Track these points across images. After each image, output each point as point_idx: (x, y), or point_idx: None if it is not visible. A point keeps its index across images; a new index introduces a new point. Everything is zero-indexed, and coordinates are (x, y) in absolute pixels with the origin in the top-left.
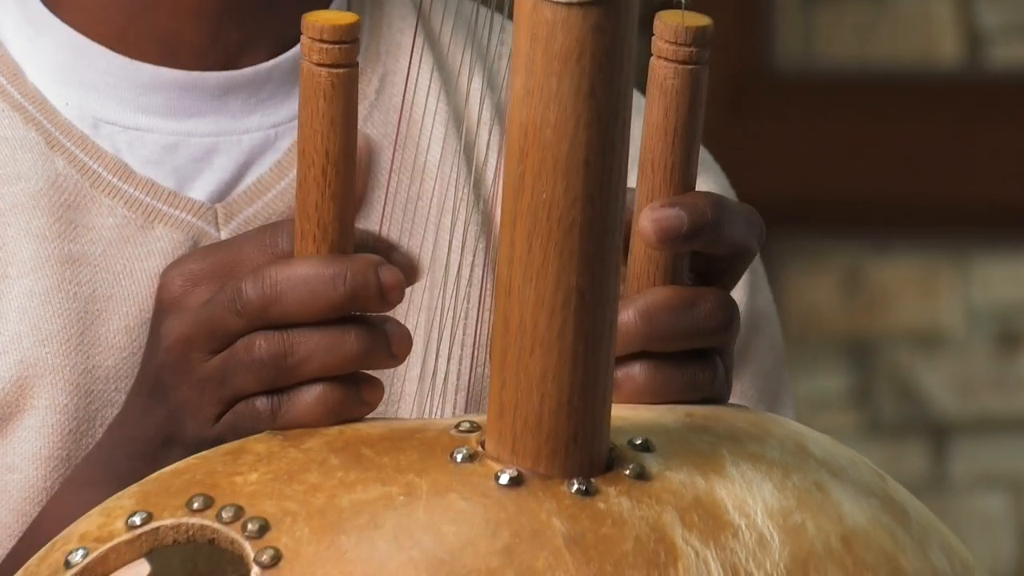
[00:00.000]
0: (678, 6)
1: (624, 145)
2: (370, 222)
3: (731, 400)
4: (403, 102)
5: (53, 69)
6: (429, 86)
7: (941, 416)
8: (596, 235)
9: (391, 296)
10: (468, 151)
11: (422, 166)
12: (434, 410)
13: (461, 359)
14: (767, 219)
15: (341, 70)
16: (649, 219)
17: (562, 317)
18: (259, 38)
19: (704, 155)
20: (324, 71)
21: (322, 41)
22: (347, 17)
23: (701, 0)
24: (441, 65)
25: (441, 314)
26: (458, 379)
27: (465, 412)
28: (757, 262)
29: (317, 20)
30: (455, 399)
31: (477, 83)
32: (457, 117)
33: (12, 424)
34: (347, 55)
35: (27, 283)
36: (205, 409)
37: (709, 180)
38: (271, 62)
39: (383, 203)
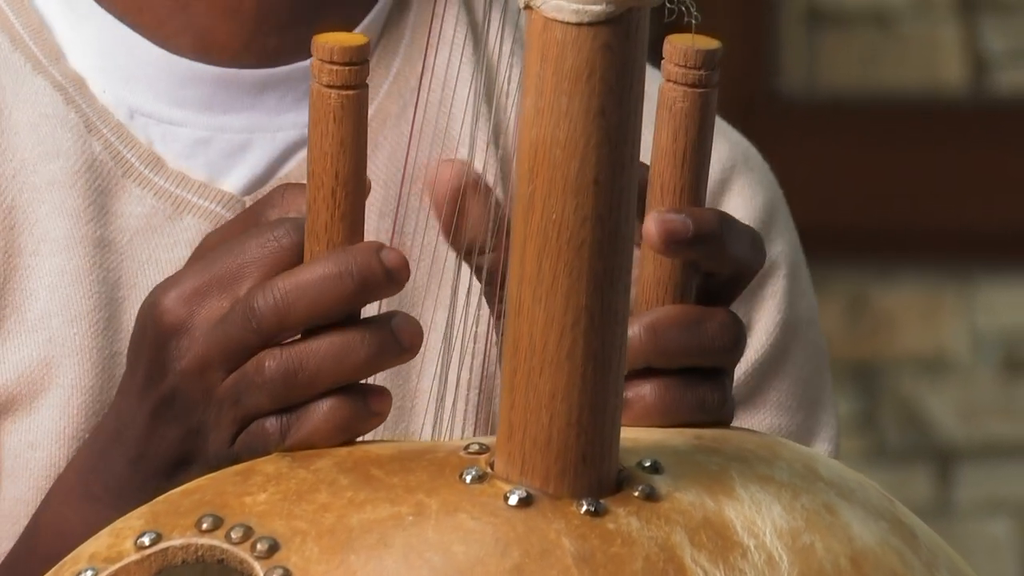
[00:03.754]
0: (687, 29)
1: (634, 165)
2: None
3: (772, 408)
4: (426, 84)
5: (93, 56)
6: (460, 68)
7: (946, 441)
8: (606, 255)
9: (399, 276)
10: (496, 131)
11: (451, 151)
12: (445, 430)
13: (471, 383)
14: None
15: (351, 91)
16: (655, 221)
17: (571, 337)
18: (297, 45)
19: (760, 164)
20: (333, 92)
21: (332, 63)
22: (357, 38)
23: (704, 25)
24: (479, 53)
25: (452, 329)
26: (467, 405)
27: (477, 426)
28: (801, 267)
29: (327, 41)
30: (464, 417)
31: (514, 75)
32: (496, 122)
33: (37, 402)
34: (357, 76)
35: (58, 261)
36: (223, 429)
37: (759, 190)
38: (308, 60)
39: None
